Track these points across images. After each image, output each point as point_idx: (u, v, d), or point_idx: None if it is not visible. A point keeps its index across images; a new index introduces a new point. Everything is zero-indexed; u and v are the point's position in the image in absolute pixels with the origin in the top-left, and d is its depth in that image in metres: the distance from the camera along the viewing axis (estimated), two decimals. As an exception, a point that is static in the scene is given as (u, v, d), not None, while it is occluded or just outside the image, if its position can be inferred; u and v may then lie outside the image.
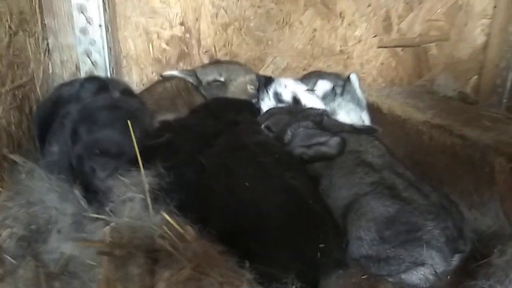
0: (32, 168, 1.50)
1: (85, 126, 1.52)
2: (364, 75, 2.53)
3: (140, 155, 1.38)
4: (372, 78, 2.56)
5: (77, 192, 1.42)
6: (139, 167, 1.33)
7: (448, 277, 1.33)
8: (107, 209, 1.24)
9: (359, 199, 1.38)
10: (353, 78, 2.13)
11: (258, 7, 2.33)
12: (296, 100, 1.89)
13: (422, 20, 2.47)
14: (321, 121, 1.61)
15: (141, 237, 1.14)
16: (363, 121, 1.97)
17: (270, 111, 1.73)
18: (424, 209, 1.33)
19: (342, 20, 2.41)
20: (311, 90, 1.95)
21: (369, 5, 2.40)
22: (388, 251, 1.31)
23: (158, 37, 2.32)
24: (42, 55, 1.91)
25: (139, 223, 1.17)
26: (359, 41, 2.47)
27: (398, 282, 1.35)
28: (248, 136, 1.53)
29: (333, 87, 2.13)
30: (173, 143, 1.54)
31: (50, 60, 1.89)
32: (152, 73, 2.38)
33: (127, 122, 1.51)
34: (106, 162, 1.44)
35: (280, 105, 1.91)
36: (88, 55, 1.98)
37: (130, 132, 1.48)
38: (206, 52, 2.39)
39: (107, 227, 1.16)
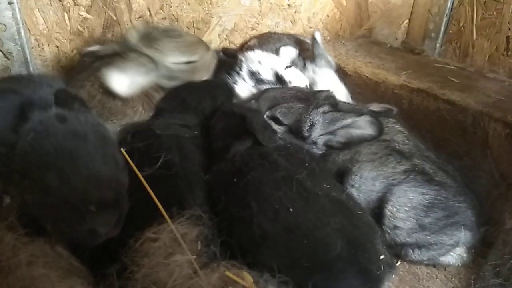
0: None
1: (50, 176, 1.02)
2: (311, 29, 2.37)
3: (146, 194, 1.09)
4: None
5: (68, 254, 1.08)
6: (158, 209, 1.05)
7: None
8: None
9: (394, 190, 1.33)
10: (318, 37, 1.96)
11: (198, -42, 1.93)
12: (278, 78, 1.67)
13: (364, -34, 2.36)
14: (337, 103, 1.45)
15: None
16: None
17: (271, 97, 1.48)
18: (456, 191, 1.36)
19: (290, -30, 2.16)
20: (290, 65, 1.74)
21: (315, -48, 2.18)
22: (428, 237, 1.32)
23: (75, 3, 1.78)
24: None
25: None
26: (307, -7, 2.27)
27: (434, 265, 1.40)
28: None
29: (299, 53, 1.95)
30: (172, 165, 1.24)
31: None
32: (72, 51, 1.86)
33: (104, 148, 1.13)
34: (107, 215, 1.03)
35: (261, 85, 1.68)
36: (-2, 45, 1.41)
37: (113, 160, 1.14)
38: (139, 17, 1.94)
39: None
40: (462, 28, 2.43)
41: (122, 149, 1.13)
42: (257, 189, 1.16)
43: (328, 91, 1.51)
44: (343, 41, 2.40)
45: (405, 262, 1.41)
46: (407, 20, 2.70)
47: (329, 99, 1.47)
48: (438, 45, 2.55)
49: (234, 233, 1.12)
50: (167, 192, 1.16)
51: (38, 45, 1.76)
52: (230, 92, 1.66)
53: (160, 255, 0.96)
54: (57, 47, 1.82)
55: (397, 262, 1.38)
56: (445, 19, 2.47)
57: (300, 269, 1.06)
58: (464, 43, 2.44)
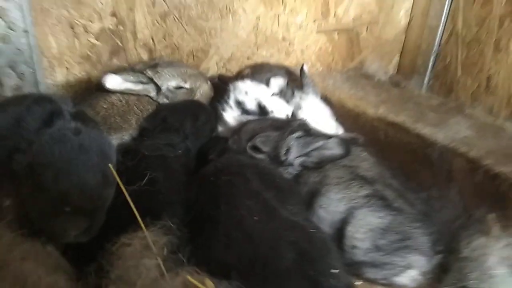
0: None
1: (47, 173, 1.24)
2: (304, 61, 2.54)
3: (128, 205, 1.24)
4: (311, 64, 2.58)
5: (58, 255, 1.24)
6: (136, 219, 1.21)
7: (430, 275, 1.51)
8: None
9: (355, 213, 1.46)
10: (306, 69, 2.13)
11: (200, -6, 2.13)
12: (261, 107, 1.84)
13: (356, 5, 2.53)
14: (309, 129, 1.62)
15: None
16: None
17: (249, 129, 1.65)
18: (412, 218, 1.48)
19: (285, 7, 2.34)
20: (275, 94, 1.90)
21: (309, -10, 2.37)
22: (382, 257, 1.44)
23: (85, 31, 1.98)
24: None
25: (160, 293, 1.08)
26: (300, 27, 2.45)
27: (389, 284, 1.51)
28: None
29: (287, 82, 2.12)
30: (156, 181, 1.40)
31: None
32: (80, 73, 2.06)
33: (100, 164, 1.31)
34: (77, 219, 1.21)
35: (245, 114, 1.84)
36: (13, 67, 1.61)
37: (102, 175, 1.30)
38: (143, 45, 2.13)
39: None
40: (448, 65, 2.58)
41: (110, 165, 1.29)
42: (229, 192, 1.32)
43: (301, 119, 1.69)
44: (334, 73, 2.56)
45: (365, 283, 1.52)
46: (398, 55, 2.86)
47: (302, 126, 1.65)
48: (426, 80, 2.70)
49: (202, 233, 1.27)
50: (149, 205, 1.32)
51: (50, 66, 1.97)
52: (210, 112, 1.84)
53: (132, 258, 1.11)
54: (67, 69, 2.02)
55: (355, 282, 1.49)
56: (432, 56, 2.62)
57: (256, 275, 1.19)
58: (449, 79, 2.58)
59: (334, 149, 1.59)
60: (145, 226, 1.17)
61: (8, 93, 1.69)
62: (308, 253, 1.25)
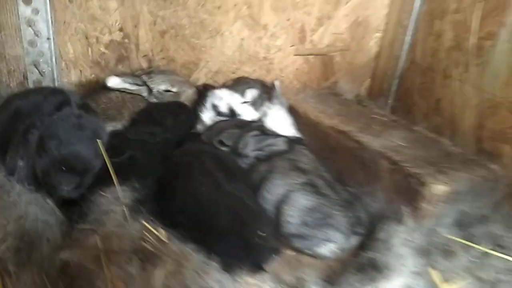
0: (3, 182, 1.68)
1: (52, 143, 1.69)
2: (283, 78, 2.95)
3: (110, 172, 1.65)
4: (289, 81, 2.99)
5: (52, 204, 1.66)
6: (114, 182, 1.61)
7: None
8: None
9: (289, 195, 1.84)
10: (277, 85, 2.56)
11: (193, 17, 2.58)
12: (232, 111, 2.25)
13: (330, 34, 2.94)
14: (264, 129, 2.03)
15: (128, 242, 1.44)
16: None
17: (218, 127, 2.07)
18: (335, 203, 1.85)
19: (266, 32, 2.78)
20: (246, 102, 2.31)
21: (288, 19, 2.79)
22: (307, 231, 1.80)
23: (97, 42, 2.45)
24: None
25: (122, 231, 1.47)
26: (279, 50, 2.87)
27: (313, 254, 1.85)
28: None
29: (260, 94, 2.53)
30: (135, 158, 1.82)
31: (-4, 69, 1.95)
32: (91, 75, 2.52)
33: (93, 141, 1.74)
34: (71, 177, 1.66)
35: (219, 116, 2.26)
36: (36, 65, 2.08)
37: (94, 149, 1.74)
38: (144, 56, 2.59)
39: (96, 236, 1.44)
40: (408, 89, 2.94)
41: (98, 140, 1.71)
42: (187, 169, 1.72)
43: (259, 122, 2.09)
44: (307, 90, 2.96)
45: (294, 253, 1.87)
46: (370, 79, 3.24)
47: (259, 127, 2.05)
48: (390, 101, 3.06)
49: (163, 197, 1.67)
50: (126, 173, 1.72)
51: (67, 68, 2.43)
52: (190, 111, 2.26)
53: (104, 205, 1.51)
54: (80, 71, 2.48)
55: (285, 249, 1.84)
56: (394, 81, 3.00)
57: (199, 230, 1.57)
58: (408, 101, 2.94)
59: (281, 146, 2.00)
60: (118, 184, 1.58)
61: (31, 85, 2.16)
62: (241, 217, 1.63)
